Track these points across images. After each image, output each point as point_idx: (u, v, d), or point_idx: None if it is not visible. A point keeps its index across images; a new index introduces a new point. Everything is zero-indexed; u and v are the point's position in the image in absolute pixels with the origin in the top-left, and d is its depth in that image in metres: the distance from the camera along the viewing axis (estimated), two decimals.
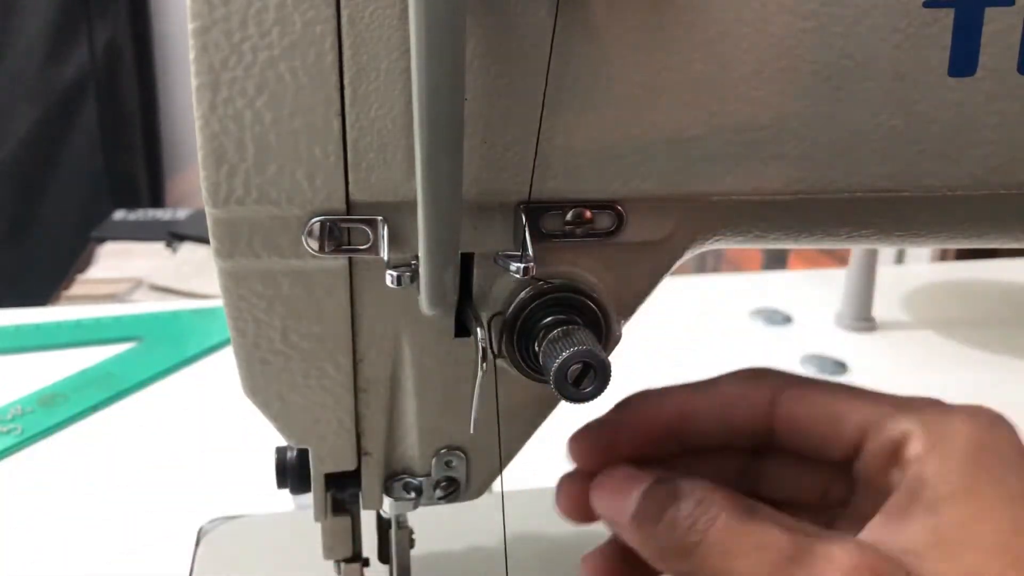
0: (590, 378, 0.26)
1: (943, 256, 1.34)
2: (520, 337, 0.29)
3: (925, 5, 0.27)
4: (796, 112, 0.28)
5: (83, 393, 0.58)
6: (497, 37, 0.26)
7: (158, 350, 0.65)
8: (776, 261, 1.47)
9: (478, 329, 0.28)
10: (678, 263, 0.32)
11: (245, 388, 0.30)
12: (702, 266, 1.92)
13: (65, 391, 0.59)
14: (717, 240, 0.31)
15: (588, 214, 0.29)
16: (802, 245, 0.33)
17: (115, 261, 1.14)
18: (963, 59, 0.28)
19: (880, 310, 0.72)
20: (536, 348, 0.28)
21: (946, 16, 0.27)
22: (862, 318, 0.70)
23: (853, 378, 0.63)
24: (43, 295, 1.10)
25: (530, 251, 0.27)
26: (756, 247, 0.33)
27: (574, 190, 0.28)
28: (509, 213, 0.28)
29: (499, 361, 0.30)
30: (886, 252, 1.27)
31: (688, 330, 0.72)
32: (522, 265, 0.27)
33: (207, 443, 0.55)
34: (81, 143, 1.96)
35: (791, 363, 0.65)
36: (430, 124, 0.22)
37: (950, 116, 0.28)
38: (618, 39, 0.26)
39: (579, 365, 0.26)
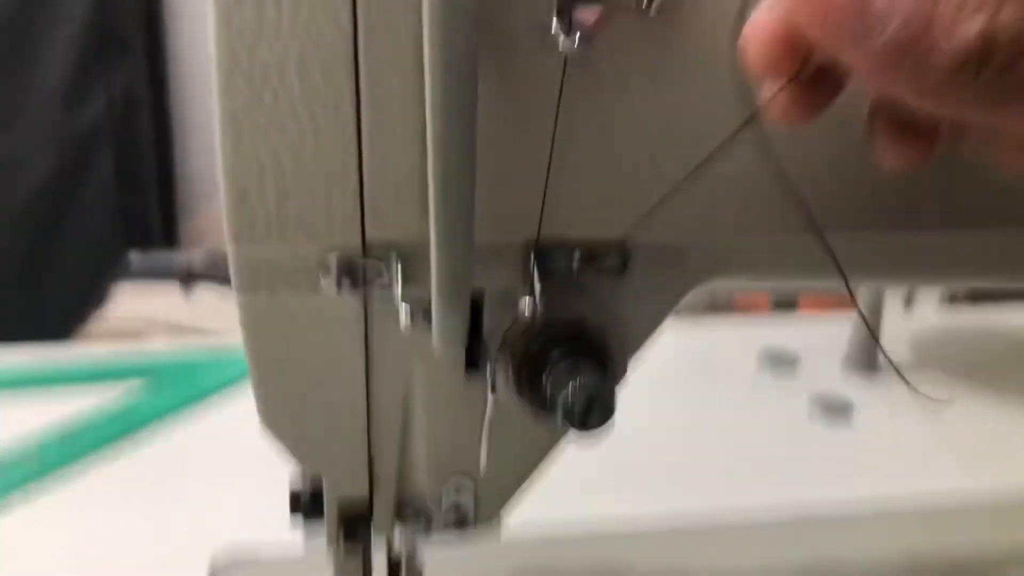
0: (595, 411, 0.27)
1: (952, 300, 1.35)
2: (529, 372, 0.30)
3: None
4: (797, 156, 0.29)
5: (97, 429, 0.59)
6: (507, 85, 0.27)
7: (171, 388, 0.66)
8: (786, 304, 1.47)
9: (487, 364, 0.29)
10: (682, 300, 0.32)
11: (261, 418, 0.31)
12: (711, 307, 1.92)
13: (80, 427, 0.60)
14: (720, 279, 0.32)
15: (593, 255, 0.30)
16: (806, 284, 0.34)
17: (130, 301, 1.15)
18: None
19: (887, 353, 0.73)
20: (544, 382, 0.29)
21: None
22: (869, 361, 0.71)
23: (859, 422, 0.64)
24: (59, 334, 1.12)
25: (538, 289, 0.29)
26: (758, 285, 0.34)
27: (581, 231, 0.29)
28: (519, 253, 0.29)
29: (508, 395, 0.31)
30: (894, 295, 1.28)
31: (695, 370, 0.73)
32: (529, 302, 0.28)
33: (219, 479, 0.56)
34: (97, 186, 1.99)
35: (798, 405, 0.66)
36: (443, 170, 0.24)
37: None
38: (622, 85, 0.28)
39: (585, 398, 0.27)
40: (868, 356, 0.71)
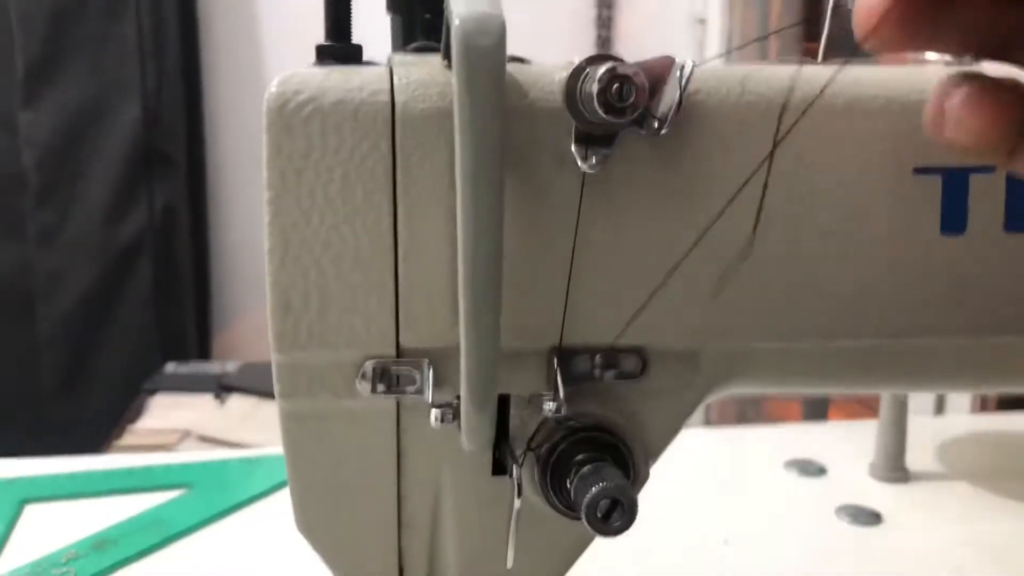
0: (618, 513, 0.28)
1: (983, 407, 1.34)
2: (553, 474, 0.31)
3: (915, 172, 0.31)
4: (805, 270, 0.31)
5: (134, 538, 0.60)
6: (530, 203, 0.29)
7: (206, 497, 0.67)
8: (816, 413, 1.46)
9: (513, 466, 0.31)
10: (702, 404, 0.34)
11: (298, 523, 0.33)
12: (742, 417, 1.91)
13: (116, 536, 0.61)
14: (736, 385, 0.34)
15: (614, 359, 0.31)
16: (820, 391, 0.35)
17: (165, 412, 1.17)
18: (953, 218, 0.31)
19: (915, 461, 0.73)
20: (568, 485, 0.31)
21: (934, 182, 0.31)
22: (895, 468, 0.71)
23: (887, 529, 0.64)
24: (95, 445, 1.14)
25: (561, 393, 0.30)
26: (775, 391, 0.35)
27: (600, 337, 0.31)
28: (543, 358, 0.31)
29: (534, 497, 0.32)
30: (924, 403, 1.27)
31: (722, 479, 0.73)
32: (554, 405, 0.30)
33: None
34: (135, 299, 2.04)
35: (825, 514, 0.66)
36: (472, 281, 0.26)
37: (944, 270, 0.31)
38: (636, 200, 0.30)
39: (608, 501, 0.28)
40: (895, 463, 0.71)
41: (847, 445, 0.79)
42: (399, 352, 0.30)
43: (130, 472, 0.72)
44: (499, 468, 0.33)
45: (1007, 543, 0.61)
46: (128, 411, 1.22)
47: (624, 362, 0.32)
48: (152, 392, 1.26)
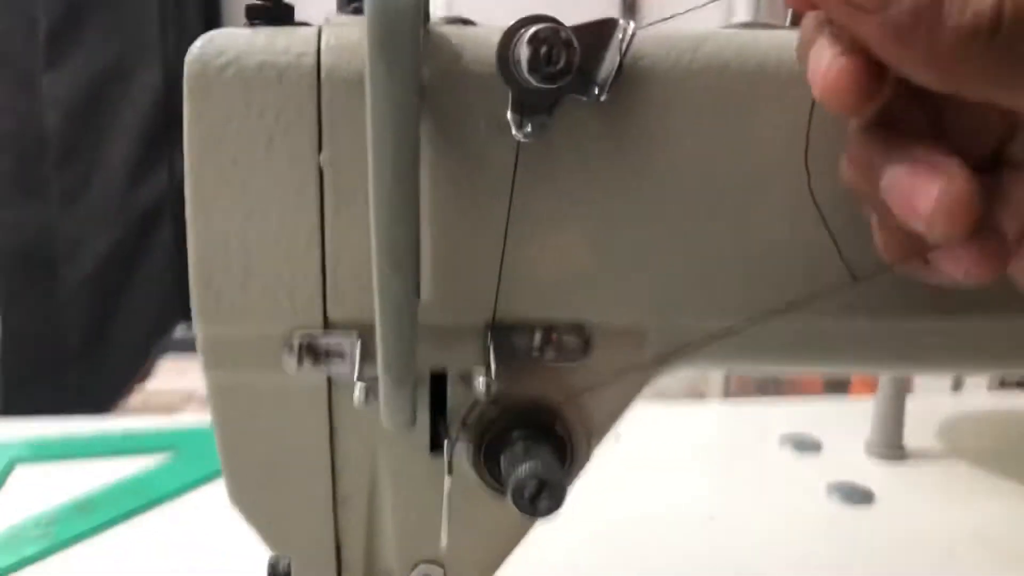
0: (545, 496, 0.27)
1: (1002, 386, 1.31)
2: (487, 453, 0.30)
3: None
4: (755, 245, 0.30)
5: (116, 502, 0.61)
6: (463, 170, 0.28)
7: (191, 462, 0.67)
8: (838, 388, 1.44)
9: (446, 443, 0.30)
10: (648, 385, 0.33)
11: (231, 496, 0.32)
12: (762, 391, 1.89)
13: (99, 499, 0.61)
14: (686, 364, 0.32)
15: (554, 336, 0.30)
16: (772, 369, 0.34)
17: (173, 375, 1.18)
18: None
19: (917, 438, 0.71)
20: (502, 464, 0.30)
21: None
22: (892, 446, 0.69)
23: (880, 508, 0.62)
24: (106, 406, 1.15)
25: (493, 370, 0.29)
26: (726, 370, 0.34)
27: (541, 312, 0.30)
28: (479, 334, 0.30)
29: (474, 476, 0.31)
30: (943, 380, 1.25)
31: (715, 453, 0.72)
32: (485, 383, 0.29)
33: (233, 552, 0.56)
34: (156, 261, 2.06)
35: (817, 491, 0.64)
36: (381, 248, 0.24)
37: None
38: (577, 169, 0.28)
39: (536, 482, 0.27)
40: (892, 441, 0.70)
41: (849, 420, 0.77)
42: (327, 325, 0.29)
43: (119, 436, 0.72)
44: (437, 446, 0.32)
45: (1000, 525, 0.60)
46: (138, 373, 1.23)
47: (566, 339, 0.30)
48: (162, 355, 1.27)
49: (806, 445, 0.72)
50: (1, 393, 1.94)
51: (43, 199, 2.00)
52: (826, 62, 0.23)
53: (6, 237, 1.98)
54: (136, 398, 1.09)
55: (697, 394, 1.87)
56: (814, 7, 0.24)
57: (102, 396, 1.63)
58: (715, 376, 1.88)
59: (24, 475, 0.65)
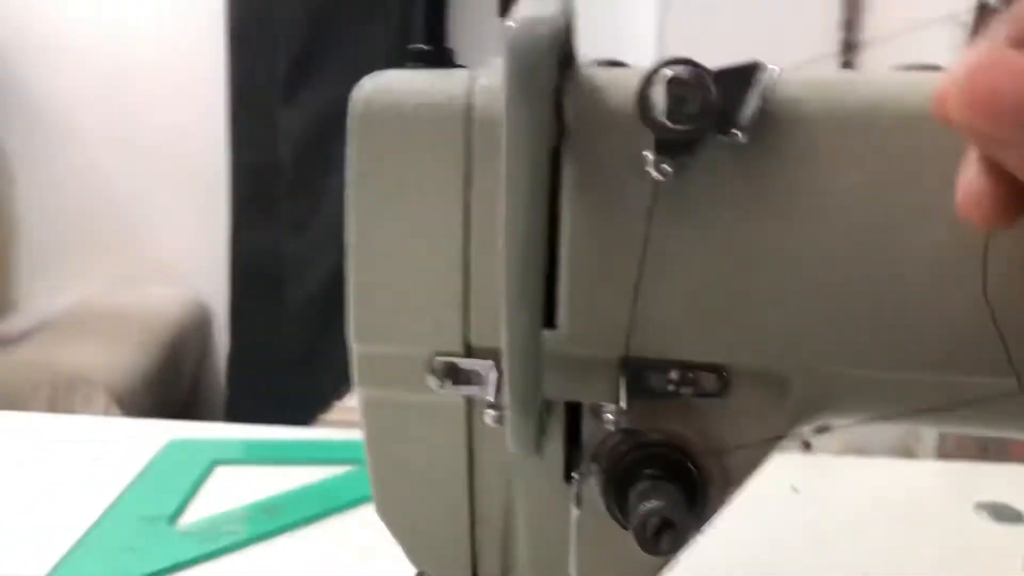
0: (667, 535, 0.27)
1: None
2: (617, 486, 0.30)
3: None
4: (910, 295, 0.28)
5: (300, 506, 0.65)
6: (603, 206, 0.29)
7: None
8: None
9: (575, 475, 0.30)
10: (790, 435, 0.32)
11: (377, 508, 0.34)
12: (983, 454, 1.74)
13: (285, 503, 0.66)
14: (830, 415, 0.31)
15: (691, 375, 0.30)
16: (931, 427, 0.32)
17: None
18: None
19: None
20: (630, 499, 0.30)
21: None
22: None
23: None
24: (307, 419, 1.23)
25: (623, 404, 0.29)
26: (878, 425, 0.32)
27: (677, 351, 0.30)
28: (613, 368, 0.30)
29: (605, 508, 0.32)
30: None
31: (899, 515, 0.68)
32: (615, 418, 0.29)
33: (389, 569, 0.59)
34: None
35: (1014, 567, 0.59)
36: (510, 281, 0.26)
37: None
38: (714, 210, 0.28)
39: (658, 519, 0.27)
40: None
41: None
42: (467, 350, 0.30)
43: (308, 445, 0.77)
44: (570, 475, 0.32)
45: None
46: (340, 389, 1.31)
47: (703, 379, 0.30)
48: None
49: (1006, 515, 0.67)
50: (225, 401, 2.11)
51: (274, 223, 2.17)
52: (969, 177, 0.23)
53: (240, 257, 2.16)
54: (334, 413, 1.16)
55: (906, 452, 1.74)
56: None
57: (313, 409, 1.74)
58: (928, 433, 1.76)
59: (223, 475, 0.71)
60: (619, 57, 0.32)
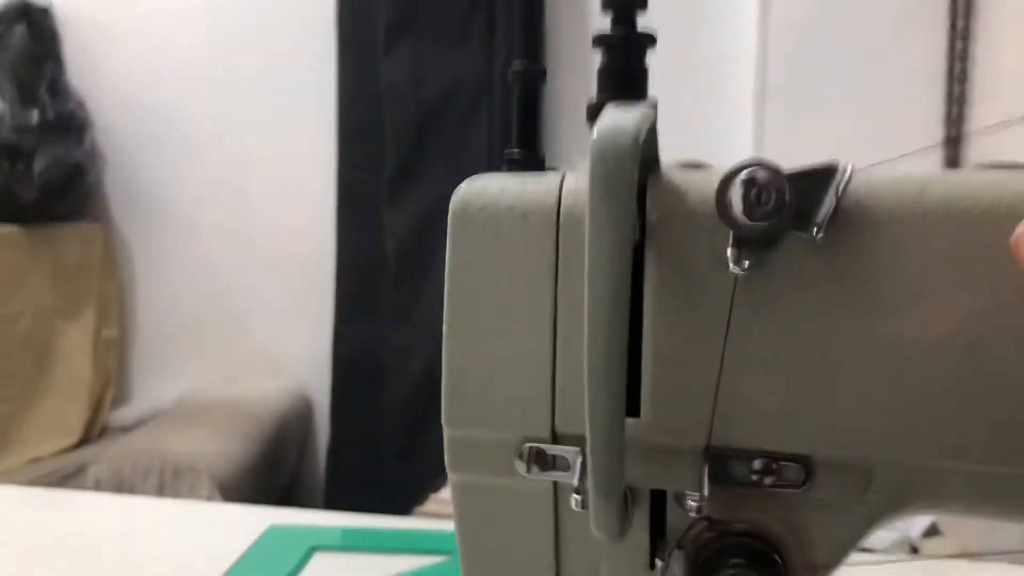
0: None
1: None
2: (701, 575, 0.31)
3: None
4: (986, 390, 0.29)
5: None
6: (685, 300, 0.30)
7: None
8: None
9: (659, 561, 0.31)
10: (876, 529, 0.32)
11: None
12: None
13: None
14: (922, 507, 0.31)
15: (774, 465, 0.31)
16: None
17: None
18: None
19: None
20: None
21: None
22: None
23: None
24: (404, 509, 1.24)
25: (706, 493, 0.30)
26: (968, 518, 0.32)
27: (758, 441, 0.31)
28: (697, 457, 0.31)
29: None
30: None
31: None
32: (698, 506, 0.30)
33: None
34: None
35: None
36: (592, 370, 0.27)
37: None
38: (795, 303, 0.30)
39: None
40: None
41: None
42: (554, 437, 0.32)
43: (402, 535, 0.79)
44: (655, 562, 0.33)
45: None
46: (437, 481, 1.33)
47: (786, 470, 0.31)
48: None
49: None
50: (324, 490, 2.14)
51: (377, 317, 2.24)
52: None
53: (343, 350, 2.22)
54: (430, 505, 1.17)
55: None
56: None
57: (410, 499, 1.75)
58: None
59: (321, 561, 0.73)
60: (717, 157, 0.33)
